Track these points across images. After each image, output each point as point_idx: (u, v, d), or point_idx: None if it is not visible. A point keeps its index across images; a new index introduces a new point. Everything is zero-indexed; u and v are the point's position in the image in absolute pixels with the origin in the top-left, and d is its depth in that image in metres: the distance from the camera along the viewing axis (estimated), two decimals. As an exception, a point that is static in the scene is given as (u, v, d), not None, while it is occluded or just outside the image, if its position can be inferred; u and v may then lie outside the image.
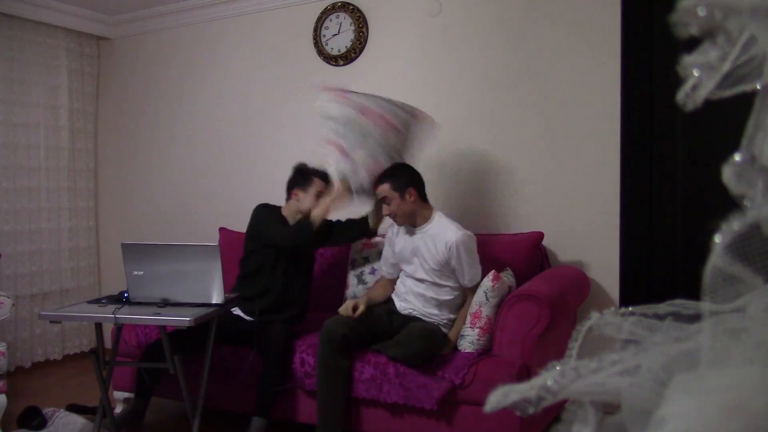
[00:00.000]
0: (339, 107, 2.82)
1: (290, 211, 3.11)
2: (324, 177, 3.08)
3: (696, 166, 2.99)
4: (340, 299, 3.29)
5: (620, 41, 3.07)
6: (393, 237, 2.87)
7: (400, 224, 2.75)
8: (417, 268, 2.76)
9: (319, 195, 3.07)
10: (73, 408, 3.19)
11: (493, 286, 2.65)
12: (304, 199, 3.04)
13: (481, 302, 2.65)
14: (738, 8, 0.70)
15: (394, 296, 2.89)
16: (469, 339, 2.64)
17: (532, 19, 3.28)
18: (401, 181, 2.68)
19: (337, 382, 2.56)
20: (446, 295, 2.75)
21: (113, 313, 2.46)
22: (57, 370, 4.09)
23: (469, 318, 2.67)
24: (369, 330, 2.69)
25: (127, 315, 2.49)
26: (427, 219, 2.73)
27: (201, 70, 4.27)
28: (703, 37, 0.74)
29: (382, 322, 2.76)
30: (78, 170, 4.45)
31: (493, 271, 2.71)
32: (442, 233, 2.67)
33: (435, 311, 2.76)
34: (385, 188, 2.69)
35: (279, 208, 3.15)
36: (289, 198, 3.13)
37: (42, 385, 3.80)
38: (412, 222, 2.74)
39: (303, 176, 3.12)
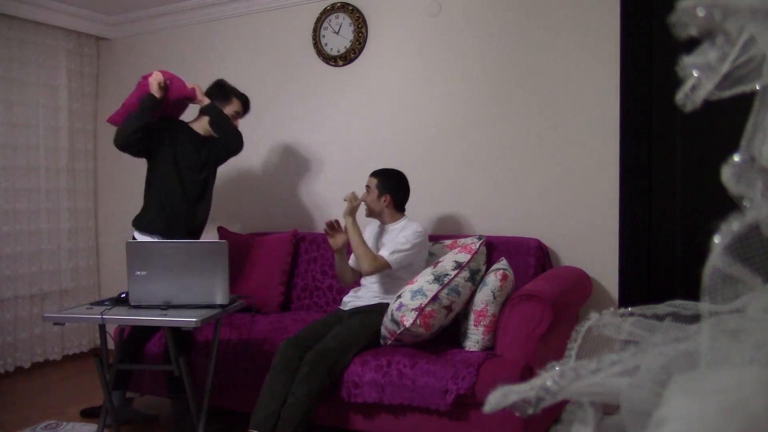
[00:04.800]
0: None
1: (202, 126, 3.19)
2: (243, 99, 3.19)
3: (695, 167, 2.99)
4: (340, 299, 3.29)
5: (620, 42, 3.07)
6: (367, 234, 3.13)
7: (367, 214, 3.07)
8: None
9: (236, 116, 3.16)
10: (88, 412, 3.19)
11: (501, 286, 2.68)
12: None
13: (488, 301, 2.67)
14: (737, 9, 0.70)
15: (346, 297, 3.08)
16: (474, 338, 2.66)
17: (532, 20, 3.28)
18: (385, 185, 3.01)
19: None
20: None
21: (117, 315, 2.45)
22: (56, 371, 4.09)
23: (473, 316, 2.68)
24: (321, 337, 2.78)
25: (130, 317, 2.45)
26: (395, 221, 3.04)
27: (200, 70, 4.25)
28: (703, 38, 0.74)
29: (329, 325, 2.87)
30: (77, 170, 4.45)
31: (501, 270, 2.72)
32: (406, 228, 2.96)
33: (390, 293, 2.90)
34: (372, 181, 3.04)
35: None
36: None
37: (41, 385, 3.80)
38: (378, 217, 3.07)
39: (223, 92, 3.18)
